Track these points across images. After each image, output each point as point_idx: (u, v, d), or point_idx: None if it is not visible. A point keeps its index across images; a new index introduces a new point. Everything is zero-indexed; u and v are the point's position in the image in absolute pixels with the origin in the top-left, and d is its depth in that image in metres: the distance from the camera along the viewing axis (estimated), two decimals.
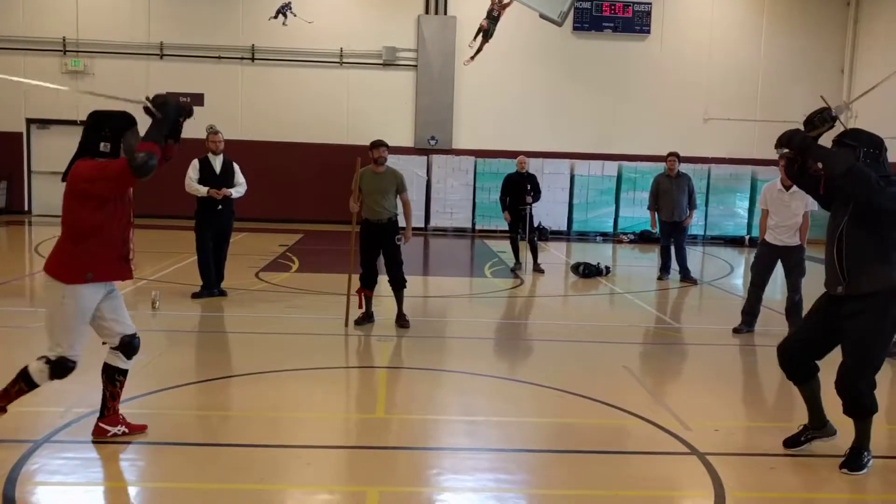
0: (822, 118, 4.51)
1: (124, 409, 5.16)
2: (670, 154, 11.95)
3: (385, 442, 4.88)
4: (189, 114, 4.67)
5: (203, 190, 9.03)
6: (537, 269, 12.29)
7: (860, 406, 4.43)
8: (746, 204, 18.52)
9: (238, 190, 9.28)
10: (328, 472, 4.38)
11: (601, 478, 4.45)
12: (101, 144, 4.38)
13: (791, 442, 4.81)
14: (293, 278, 11.04)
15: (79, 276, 4.36)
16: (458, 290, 10.77)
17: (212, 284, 9.25)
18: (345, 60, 18.89)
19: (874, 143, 4.32)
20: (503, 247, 13.55)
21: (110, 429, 4.67)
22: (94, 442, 4.61)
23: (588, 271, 12.08)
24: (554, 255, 15.06)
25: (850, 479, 4.39)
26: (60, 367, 4.48)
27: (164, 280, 10.35)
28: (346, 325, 7.91)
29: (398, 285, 8.09)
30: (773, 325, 8.52)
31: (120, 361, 4.70)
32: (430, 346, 7.68)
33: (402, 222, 8.17)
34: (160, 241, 14.93)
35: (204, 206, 9.17)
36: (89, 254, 4.38)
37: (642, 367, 7.18)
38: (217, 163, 9.20)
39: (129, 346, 4.71)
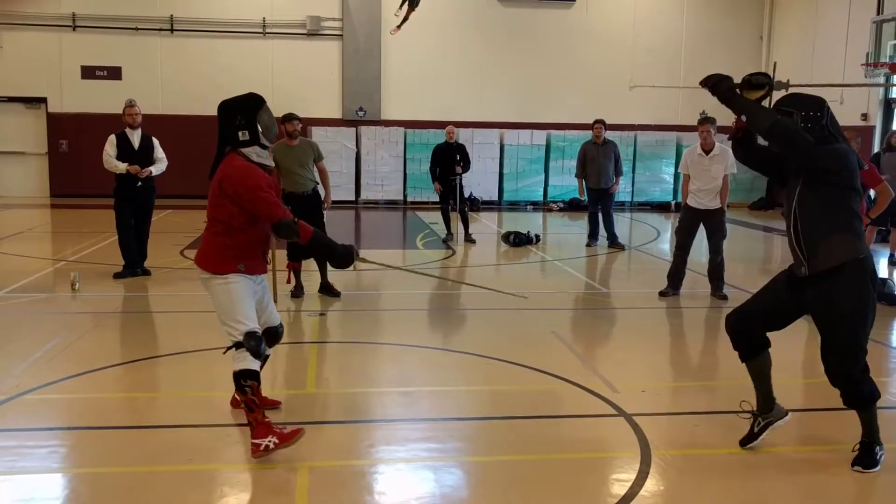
0: (759, 82, 4.25)
1: (42, 394, 5.01)
2: (596, 121, 12.08)
3: (316, 416, 4.84)
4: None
5: (122, 166, 8.74)
6: (469, 239, 12.32)
7: (859, 395, 4.04)
8: (672, 170, 18.89)
9: (159, 167, 9.01)
10: None
11: (533, 442, 4.51)
12: (240, 133, 4.28)
13: (747, 439, 4.36)
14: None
15: (232, 266, 4.26)
16: (391, 262, 10.72)
17: (134, 264, 9.00)
18: (268, 31, 18.46)
19: (814, 105, 4.05)
20: (435, 218, 13.54)
21: (261, 442, 4.06)
22: (255, 458, 4.07)
23: (518, 240, 12.17)
24: (485, 224, 15.12)
25: (772, 432, 4.52)
26: (254, 342, 4.21)
27: (85, 261, 10.02)
28: (275, 300, 7.79)
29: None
30: (698, 287, 8.74)
31: (245, 362, 4.18)
32: (362, 319, 7.64)
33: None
34: (79, 220, 14.45)
35: (123, 184, 8.88)
36: (240, 247, 4.30)
37: (572, 333, 7.29)
38: (135, 138, 8.90)
39: (274, 334, 4.62)
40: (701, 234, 8.46)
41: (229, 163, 4.28)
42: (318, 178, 8.27)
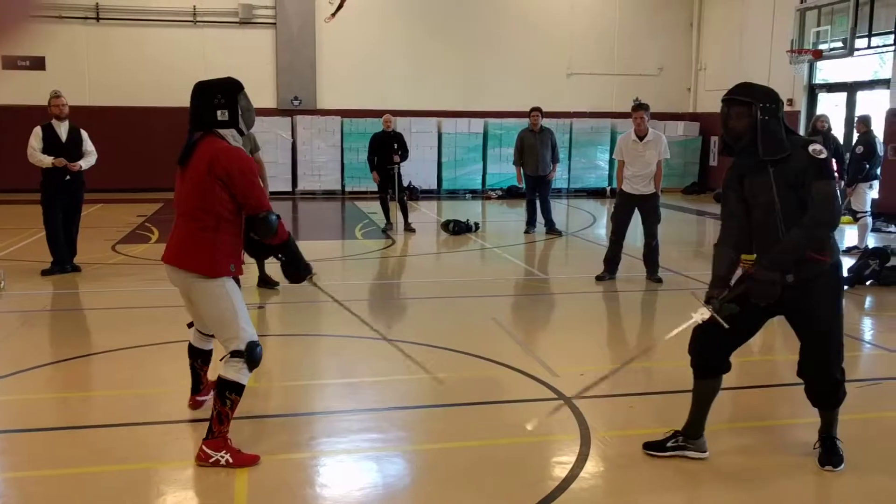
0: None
1: None
2: (533, 109, 12.16)
3: (256, 411, 4.78)
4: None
5: (48, 160, 8.45)
6: (408, 228, 12.30)
7: (837, 396, 3.95)
8: (607, 156, 19.15)
9: (88, 160, 8.74)
10: (196, 447, 4.24)
11: (475, 428, 4.54)
12: (219, 113, 3.97)
13: (654, 446, 4.10)
14: (153, 249, 10.56)
15: (224, 268, 3.91)
16: (330, 253, 10.64)
17: (63, 260, 8.73)
18: (198, 19, 18.04)
19: (770, 98, 3.76)
20: (374, 208, 13.48)
21: (214, 454, 3.90)
22: (199, 465, 3.92)
23: (458, 228, 12.20)
24: (424, 213, 15.12)
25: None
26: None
27: (11, 258, 9.67)
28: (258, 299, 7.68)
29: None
30: (634, 271, 8.90)
31: (240, 374, 3.92)
32: (301, 311, 7.56)
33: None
34: (4, 216, 13.93)
35: (50, 178, 8.59)
36: (231, 243, 3.95)
37: (512, 319, 7.35)
38: (62, 130, 8.62)
39: (251, 354, 3.96)
40: (636, 219, 8.61)
41: (213, 144, 3.90)
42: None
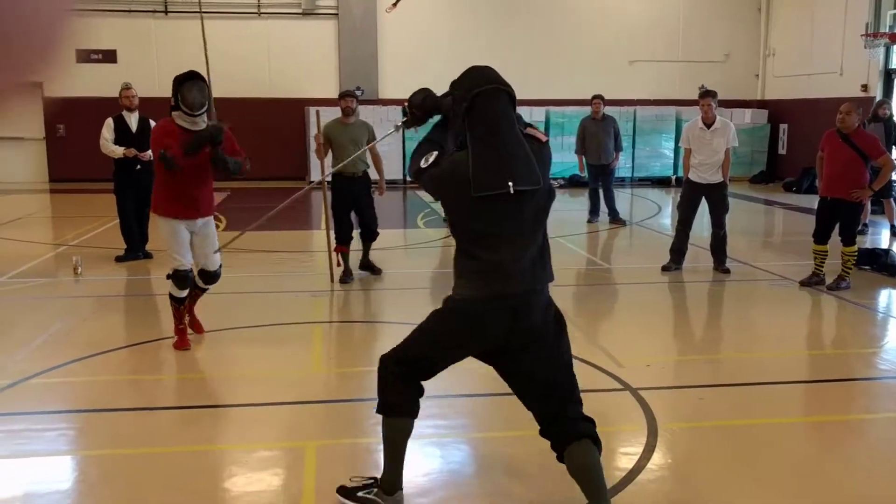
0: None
1: (47, 377, 5.03)
2: (595, 97, 12.01)
3: (323, 396, 4.85)
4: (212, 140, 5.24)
5: (119, 151, 8.69)
6: None
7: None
8: (672, 144, 18.81)
9: None
10: (266, 430, 4.33)
11: None
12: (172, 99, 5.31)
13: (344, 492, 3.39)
14: (221, 237, 10.78)
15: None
16: (392, 242, 10.71)
17: (136, 247, 8.98)
18: (262, 11, 18.31)
19: (460, 87, 3.21)
20: None
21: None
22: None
23: None
24: None
25: (775, 404, 4.54)
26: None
27: (87, 245, 10.00)
28: (332, 280, 7.86)
29: (371, 237, 8.07)
30: (701, 261, 8.73)
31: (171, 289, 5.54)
32: (367, 298, 7.64)
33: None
34: (79, 205, 14.41)
35: (122, 168, 8.84)
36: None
37: (575, 309, 7.28)
38: (133, 120, 8.85)
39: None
40: (703, 209, 8.45)
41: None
42: (370, 162, 8.02)
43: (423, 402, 4.71)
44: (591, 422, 3.23)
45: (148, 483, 3.72)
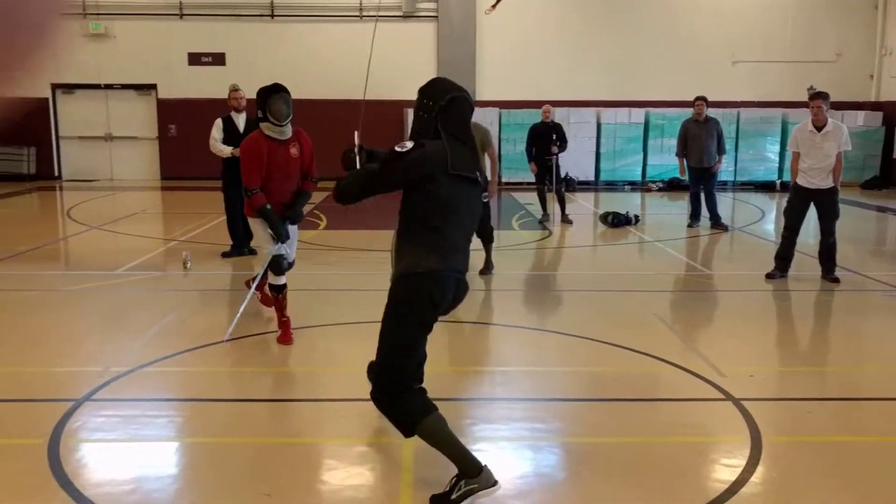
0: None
1: (160, 367, 5.26)
2: (698, 98, 11.73)
3: None
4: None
5: (227, 150, 9.02)
6: (565, 219, 12.20)
7: None
8: (777, 148, 18.18)
9: None
10: (363, 425, 4.42)
11: (635, 425, 4.45)
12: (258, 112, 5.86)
13: (440, 499, 3.42)
14: (321, 235, 11.08)
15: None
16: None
17: (241, 243, 9.30)
18: (364, 14, 18.67)
19: (432, 93, 3.59)
20: (530, 199, 13.46)
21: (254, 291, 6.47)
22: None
23: (617, 220, 11.97)
24: (582, 205, 14.94)
25: (886, 421, 4.32)
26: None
27: (194, 241, 10.44)
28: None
29: (490, 238, 8.32)
30: (807, 269, 8.41)
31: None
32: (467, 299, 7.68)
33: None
34: (189, 202, 15.06)
35: (230, 166, 9.14)
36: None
37: (673, 315, 7.13)
38: (241, 121, 9.17)
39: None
40: (811, 215, 8.13)
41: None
42: (482, 166, 8.25)
43: (519, 403, 4.76)
44: None
45: (250, 472, 3.85)
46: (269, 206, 5.72)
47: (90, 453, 4.07)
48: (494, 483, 3.38)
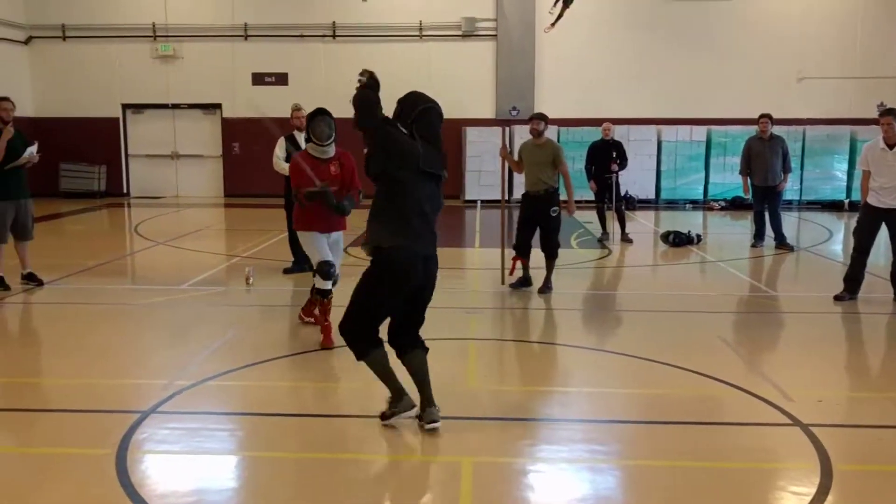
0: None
1: (222, 380, 5.36)
2: (762, 116, 11.50)
3: (478, 412, 4.89)
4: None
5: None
6: (625, 238, 12.07)
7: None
8: (845, 166, 17.70)
9: None
10: (422, 442, 4.42)
11: (698, 449, 4.35)
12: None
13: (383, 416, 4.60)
14: None
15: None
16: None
17: (303, 260, 9.38)
18: (424, 33, 18.85)
19: (407, 105, 4.46)
20: (589, 217, 13.35)
21: (305, 317, 6.93)
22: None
23: (678, 240, 11.78)
24: (642, 224, 14.75)
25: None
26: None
27: (257, 256, 10.63)
28: (503, 282, 8.60)
29: (551, 254, 8.40)
30: (877, 291, 8.14)
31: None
32: (520, 317, 7.65)
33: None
34: (251, 218, 15.35)
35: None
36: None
37: (737, 337, 6.97)
38: (303, 140, 9.31)
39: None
40: (882, 235, 7.88)
41: None
42: (555, 181, 8.34)
43: (578, 424, 4.70)
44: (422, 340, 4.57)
45: (307, 487, 3.88)
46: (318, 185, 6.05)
47: (155, 465, 4.16)
48: (412, 407, 4.51)
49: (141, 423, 4.60)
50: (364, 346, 4.42)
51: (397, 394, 4.53)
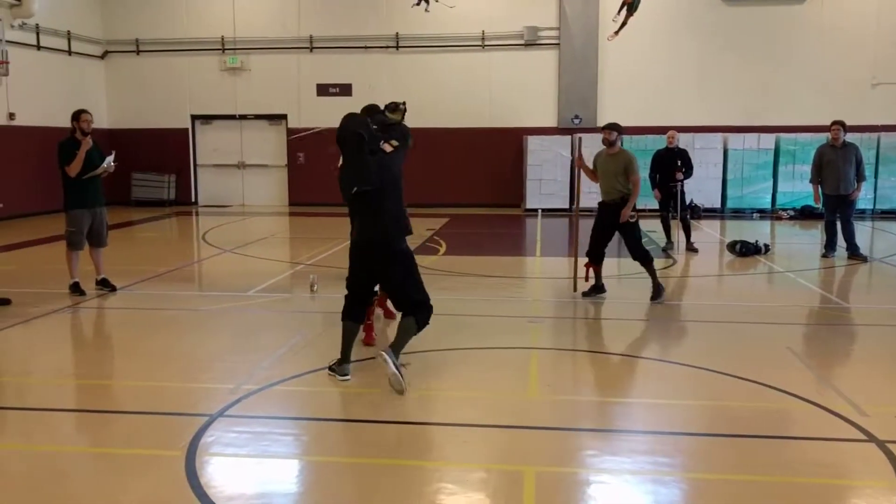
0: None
1: (287, 385, 5.46)
2: (834, 123, 11.20)
3: (540, 422, 4.87)
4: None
5: None
6: (690, 248, 11.87)
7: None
8: None
9: None
10: (485, 451, 4.42)
11: (766, 463, 4.25)
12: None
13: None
14: (441, 261, 11.22)
15: None
16: (607, 271, 10.56)
17: None
18: (487, 43, 18.91)
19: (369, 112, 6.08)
20: (654, 226, 13.16)
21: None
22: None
23: (746, 249, 11.53)
24: (707, 233, 14.49)
25: None
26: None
27: (321, 264, 10.79)
28: (575, 289, 8.69)
29: (644, 259, 8.37)
30: None
31: None
32: (582, 327, 7.59)
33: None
34: (315, 227, 15.60)
35: None
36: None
37: (808, 349, 6.78)
38: None
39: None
40: None
41: None
42: (628, 189, 8.28)
43: (642, 436, 4.64)
44: (420, 309, 5.64)
45: (370, 493, 3.92)
46: None
47: (223, 467, 4.25)
48: (345, 377, 5.61)
49: (209, 426, 4.71)
50: (345, 311, 5.81)
51: (343, 358, 5.70)
